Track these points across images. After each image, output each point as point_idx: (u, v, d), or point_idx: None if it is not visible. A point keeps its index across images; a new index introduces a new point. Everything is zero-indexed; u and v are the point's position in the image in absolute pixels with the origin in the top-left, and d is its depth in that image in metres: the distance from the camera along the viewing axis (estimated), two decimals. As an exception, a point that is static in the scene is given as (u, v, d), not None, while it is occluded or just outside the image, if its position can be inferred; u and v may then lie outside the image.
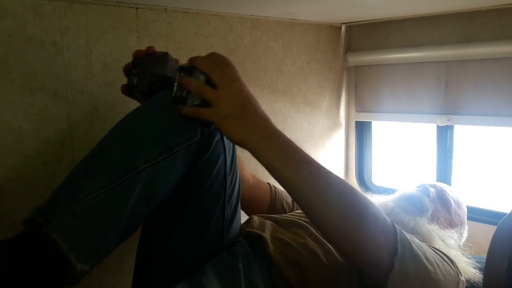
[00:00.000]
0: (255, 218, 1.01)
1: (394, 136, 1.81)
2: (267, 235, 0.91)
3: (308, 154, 0.75)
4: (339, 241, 0.76)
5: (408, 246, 0.77)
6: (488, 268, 0.82)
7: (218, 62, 0.74)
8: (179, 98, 0.73)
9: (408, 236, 0.80)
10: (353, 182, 1.80)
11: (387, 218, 0.77)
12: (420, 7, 1.34)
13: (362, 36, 1.68)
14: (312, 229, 0.95)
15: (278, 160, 0.72)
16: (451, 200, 1.16)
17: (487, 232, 1.03)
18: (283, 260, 0.85)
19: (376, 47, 1.63)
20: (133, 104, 1.14)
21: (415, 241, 0.80)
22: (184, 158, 0.75)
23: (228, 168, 0.84)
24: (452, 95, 1.45)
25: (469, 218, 1.41)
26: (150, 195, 0.73)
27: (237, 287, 0.79)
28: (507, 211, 0.89)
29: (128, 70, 0.86)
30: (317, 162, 0.75)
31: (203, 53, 1.26)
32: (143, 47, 1.14)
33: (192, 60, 0.75)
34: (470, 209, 1.45)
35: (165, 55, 0.85)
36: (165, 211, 0.82)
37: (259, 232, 0.91)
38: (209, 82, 0.72)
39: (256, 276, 0.82)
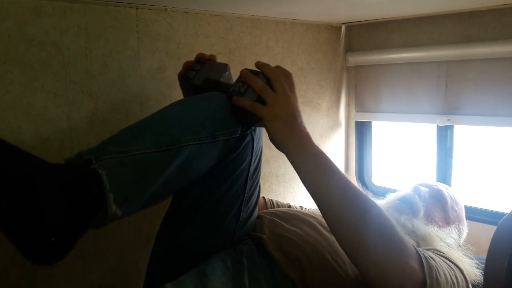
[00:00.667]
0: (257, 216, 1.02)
1: (394, 136, 1.81)
2: (266, 234, 0.94)
3: (338, 168, 0.81)
4: (360, 261, 0.75)
5: (435, 275, 0.77)
6: (488, 268, 0.82)
7: (283, 72, 0.83)
8: (237, 92, 0.82)
9: (431, 261, 0.79)
10: (353, 182, 1.80)
11: (411, 246, 0.78)
12: (420, 7, 1.34)
13: (362, 36, 1.68)
14: (315, 223, 0.96)
15: (309, 167, 0.79)
16: (447, 197, 1.16)
17: (487, 232, 1.03)
18: (284, 258, 0.87)
19: (376, 47, 1.63)
20: (133, 104, 1.15)
21: (436, 262, 0.80)
22: (221, 148, 0.82)
23: (250, 173, 0.90)
24: (452, 95, 1.45)
25: (469, 218, 1.41)
26: (187, 169, 0.79)
27: (240, 281, 0.83)
28: (507, 211, 0.89)
29: (188, 66, 0.97)
30: (344, 176, 0.80)
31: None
32: (143, 47, 1.15)
33: (260, 65, 0.84)
34: (470, 209, 1.45)
35: (225, 65, 0.97)
36: (186, 204, 0.88)
37: (258, 234, 0.94)
38: (269, 87, 0.81)
39: (259, 273, 0.85)
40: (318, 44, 1.61)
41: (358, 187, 0.79)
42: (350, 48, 1.72)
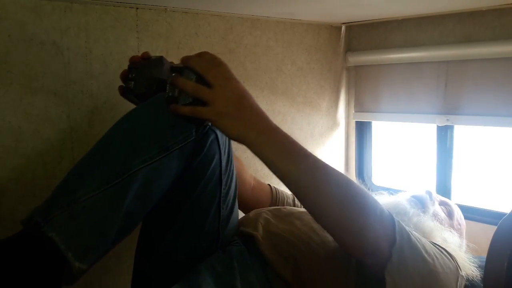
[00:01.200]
0: (251, 213, 1.02)
1: (394, 136, 1.81)
2: (259, 232, 0.91)
3: (305, 148, 0.76)
4: (339, 232, 0.75)
5: (407, 236, 0.77)
6: (488, 268, 0.82)
7: (210, 61, 0.75)
8: (171, 97, 0.75)
9: (407, 228, 0.80)
10: (353, 182, 1.80)
11: (385, 209, 0.77)
12: (420, 7, 1.34)
13: (362, 36, 1.68)
14: (308, 219, 0.94)
15: (275, 154, 0.73)
16: (455, 209, 1.19)
17: (487, 232, 1.03)
18: (277, 257, 0.86)
19: (376, 47, 1.63)
20: (133, 104, 1.15)
21: (413, 233, 0.80)
22: (179, 158, 0.76)
23: (223, 168, 0.85)
24: (452, 95, 1.45)
25: (469, 218, 1.41)
26: (147, 194, 0.74)
27: (232, 285, 0.80)
28: (507, 211, 0.89)
29: (125, 76, 0.89)
30: (314, 156, 0.75)
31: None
32: (143, 47, 1.14)
33: (184, 60, 0.76)
34: (470, 209, 1.45)
35: (160, 58, 0.88)
36: (161, 211, 0.84)
37: (250, 231, 0.92)
38: (201, 81, 0.74)
39: (251, 275, 0.83)
40: (318, 44, 1.61)
41: (325, 162, 0.76)
42: (350, 48, 1.72)
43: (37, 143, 1.00)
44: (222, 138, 0.84)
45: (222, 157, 0.85)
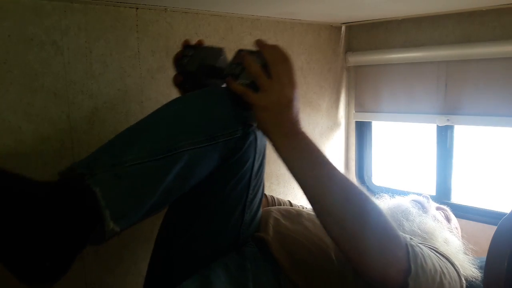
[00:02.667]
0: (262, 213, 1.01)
1: (394, 136, 1.82)
2: (269, 234, 0.91)
3: (327, 158, 0.78)
4: (344, 248, 0.75)
5: (420, 262, 0.76)
6: (488, 268, 0.82)
7: (281, 56, 0.76)
8: (233, 74, 0.78)
9: (417, 249, 0.79)
10: (353, 182, 1.80)
11: (400, 235, 0.76)
12: (420, 7, 1.34)
13: (362, 36, 1.68)
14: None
15: (294, 157, 0.76)
16: (453, 217, 1.20)
17: (487, 232, 1.03)
18: (289, 260, 0.85)
19: (376, 47, 1.63)
20: (133, 104, 1.15)
21: (424, 252, 0.79)
22: (221, 150, 0.78)
23: (254, 173, 0.86)
24: (452, 95, 1.45)
25: (469, 218, 1.41)
26: (187, 176, 0.76)
27: (244, 285, 0.81)
28: (507, 211, 0.89)
29: (180, 54, 0.92)
30: (332, 166, 0.77)
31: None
32: (143, 47, 1.15)
33: (259, 43, 0.78)
34: (470, 209, 1.45)
35: (221, 49, 0.91)
36: (188, 202, 0.85)
37: (261, 235, 0.92)
38: (265, 70, 0.75)
39: (263, 278, 0.83)
40: (318, 44, 1.61)
41: (345, 176, 0.77)
42: (350, 48, 1.72)
43: (37, 143, 1.00)
44: (260, 143, 0.86)
45: (255, 163, 0.86)
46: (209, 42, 1.28)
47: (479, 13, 1.34)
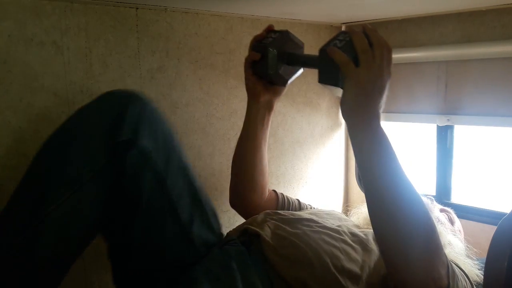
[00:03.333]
0: (261, 215, 1.00)
1: (394, 136, 1.81)
2: (266, 232, 0.89)
3: (395, 156, 0.77)
4: (397, 258, 0.73)
5: (456, 280, 0.77)
6: (488, 268, 0.82)
7: (385, 44, 0.76)
8: (334, 45, 0.77)
9: (454, 267, 0.80)
10: (353, 182, 1.80)
11: (445, 253, 0.77)
12: (420, 7, 1.34)
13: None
14: (318, 227, 0.93)
15: (368, 145, 0.75)
16: (456, 220, 1.20)
17: (487, 232, 1.03)
18: (280, 258, 0.84)
19: (376, 47, 1.62)
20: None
21: (456, 271, 0.80)
22: (99, 187, 0.73)
23: (162, 175, 0.80)
24: (452, 95, 1.45)
25: (469, 218, 1.41)
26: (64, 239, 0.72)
27: (233, 287, 0.78)
28: (507, 211, 0.89)
29: (261, 38, 0.94)
30: (405, 174, 0.76)
31: (203, 53, 1.27)
32: (143, 47, 1.15)
33: (367, 29, 0.77)
34: (470, 209, 1.45)
35: (302, 44, 0.95)
36: (115, 229, 0.82)
37: (257, 229, 0.90)
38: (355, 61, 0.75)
39: (252, 276, 0.81)
40: (318, 44, 1.60)
41: (409, 179, 0.75)
42: (350, 48, 1.72)
43: (37, 143, 0.99)
44: (147, 145, 0.77)
45: (156, 167, 0.79)
46: (209, 42, 1.28)
47: (479, 13, 1.34)
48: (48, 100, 1.00)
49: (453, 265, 0.80)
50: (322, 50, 0.78)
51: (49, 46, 0.99)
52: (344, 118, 0.77)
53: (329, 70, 0.77)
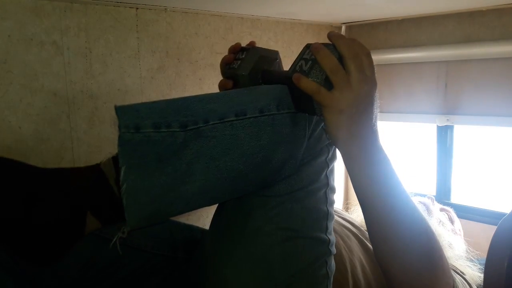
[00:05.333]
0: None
1: (394, 136, 1.81)
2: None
3: (401, 186, 0.69)
4: (398, 281, 0.70)
5: None
6: (488, 268, 0.82)
7: (360, 50, 0.63)
8: (300, 70, 0.64)
9: (457, 279, 0.78)
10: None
11: (450, 270, 0.75)
12: (420, 7, 1.34)
13: (362, 36, 1.68)
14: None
15: (364, 174, 0.66)
16: (456, 219, 1.20)
17: (487, 232, 1.03)
18: None
19: (376, 47, 1.63)
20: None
21: (456, 279, 0.79)
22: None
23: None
24: (452, 95, 1.45)
25: (469, 218, 1.41)
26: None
27: None
28: (507, 211, 0.89)
29: (229, 58, 0.82)
30: (407, 195, 0.69)
31: (203, 53, 1.27)
32: (143, 47, 1.14)
33: (334, 36, 0.63)
34: (470, 209, 1.45)
35: (276, 52, 0.81)
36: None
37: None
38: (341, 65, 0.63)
39: None
40: (318, 44, 1.61)
41: (411, 201, 0.69)
42: (350, 48, 1.72)
43: (37, 143, 1.00)
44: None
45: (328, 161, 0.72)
46: (209, 42, 1.28)
47: (479, 13, 1.34)
48: (48, 100, 1.00)
49: (456, 277, 0.79)
50: (288, 77, 0.65)
51: (49, 46, 0.99)
52: (335, 145, 0.68)
53: (302, 99, 0.65)
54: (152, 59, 1.17)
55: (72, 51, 1.03)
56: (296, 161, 0.66)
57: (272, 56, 0.80)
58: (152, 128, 0.55)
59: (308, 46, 0.66)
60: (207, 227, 0.82)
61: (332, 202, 0.72)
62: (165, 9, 1.17)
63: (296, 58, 0.67)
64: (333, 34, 0.64)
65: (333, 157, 0.73)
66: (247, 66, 0.78)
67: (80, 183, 0.59)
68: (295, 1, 1.15)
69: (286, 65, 0.74)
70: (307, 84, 0.62)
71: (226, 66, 0.82)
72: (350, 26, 1.68)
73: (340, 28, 1.68)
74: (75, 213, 0.58)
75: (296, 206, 0.66)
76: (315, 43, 0.63)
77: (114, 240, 0.62)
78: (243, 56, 0.80)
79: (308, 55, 0.65)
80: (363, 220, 1.07)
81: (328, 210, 0.70)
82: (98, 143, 1.08)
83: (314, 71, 0.63)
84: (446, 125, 1.48)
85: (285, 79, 0.67)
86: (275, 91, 0.65)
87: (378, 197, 0.66)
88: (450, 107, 1.46)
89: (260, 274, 0.64)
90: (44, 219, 0.57)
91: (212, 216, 0.75)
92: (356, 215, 1.11)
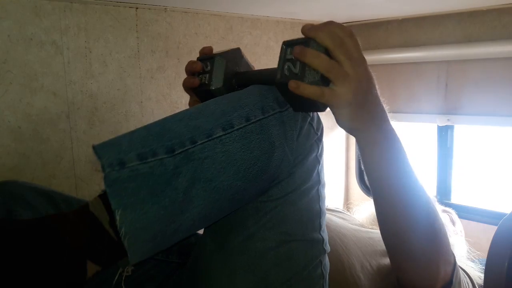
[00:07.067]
0: None
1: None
2: None
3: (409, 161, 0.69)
4: (404, 259, 0.72)
5: (459, 277, 0.77)
6: (488, 268, 0.82)
7: (340, 33, 0.58)
8: (291, 74, 0.59)
9: (460, 271, 0.79)
10: (353, 182, 1.80)
11: (452, 251, 0.76)
12: (420, 7, 1.34)
13: (362, 36, 1.67)
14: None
15: (384, 157, 0.66)
16: (457, 220, 1.19)
17: (487, 232, 1.03)
18: None
19: (376, 47, 1.63)
20: (133, 104, 1.15)
21: (461, 275, 0.80)
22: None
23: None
24: (452, 95, 1.45)
25: (469, 218, 1.41)
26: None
27: None
28: (507, 211, 0.89)
29: (194, 71, 0.76)
30: (415, 175, 0.69)
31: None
32: (143, 46, 1.14)
33: (308, 30, 0.58)
34: (470, 209, 1.45)
35: (238, 50, 0.76)
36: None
37: None
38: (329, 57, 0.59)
39: None
40: (318, 44, 1.61)
41: (419, 180, 0.69)
42: (350, 48, 1.72)
43: (37, 143, 1.00)
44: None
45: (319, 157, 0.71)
46: (209, 42, 1.28)
47: (479, 13, 1.34)
48: (47, 100, 1.00)
49: (458, 267, 0.80)
50: (281, 84, 0.60)
51: (48, 46, 0.99)
52: (354, 135, 0.67)
53: (301, 102, 0.61)
54: (152, 59, 1.17)
55: (72, 51, 1.03)
56: (289, 163, 0.64)
57: (237, 56, 0.75)
58: (138, 160, 0.51)
59: (288, 45, 0.61)
60: (200, 231, 0.82)
61: (324, 198, 0.72)
62: (165, 9, 1.17)
63: (279, 60, 0.61)
64: (308, 28, 0.59)
65: (322, 152, 0.71)
66: (219, 77, 0.72)
67: (73, 232, 0.55)
68: (295, 1, 1.15)
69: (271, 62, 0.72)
70: (308, 90, 0.58)
71: (196, 87, 0.75)
72: (350, 26, 1.68)
73: (340, 28, 1.68)
74: (75, 265, 0.55)
75: (289, 209, 0.65)
76: (296, 47, 0.58)
77: (117, 278, 0.61)
78: (209, 68, 0.73)
79: (290, 56, 0.60)
80: (364, 220, 1.07)
81: (320, 208, 0.70)
82: (97, 143, 1.08)
83: (308, 72, 0.58)
84: (446, 125, 1.48)
85: (276, 85, 0.62)
86: (254, 95, 0.62)
87: (396, 178, 0.66)
88: (451, 107, 1.46)
89: (255, 281, 0.63)
90: (44, 277, 0.53)
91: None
92: (359, 216, 1.11)
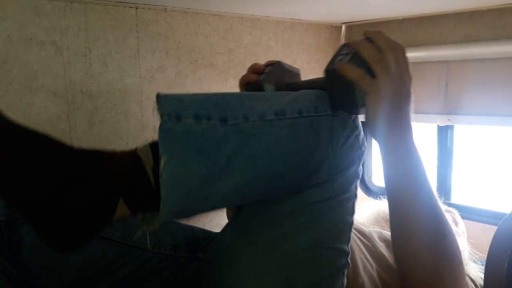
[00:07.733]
0: None
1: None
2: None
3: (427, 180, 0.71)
4: (410, 273, 0.71)
5: None
6: (488, 268, 0.82)
7: (396, 45, 0.68)
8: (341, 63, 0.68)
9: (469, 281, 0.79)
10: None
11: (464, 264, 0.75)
12: (420, 7, 1.34)
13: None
14: None
15: (400, 163, 0.69)
16: (460, 221, 1.18)
17: (487, 232, 1.03)
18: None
19: (376, 47, 1.63)
20: (133, 104, 1.15)
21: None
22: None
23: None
24: (452, 95, 1.45)
25: (469, 219, 1.41)
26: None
27: None
28: (507, 211, 0.89)
29: (255, 70, 0.83)
30: (432, 192, 0.70)
31: (203, 53, 1.27)
32: (143, 46, 1.14)
33: (371, 33, 0.69)
34: (470, 209, 1.45)
35: (298, 70, 0.86)
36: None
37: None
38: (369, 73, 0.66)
39: None
40: (319, 44, 1.61)
41: (439, 203, 0.70)
42: (350, 48, 1.72)
43: (37, 143, 0.99)
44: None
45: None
46: (209, 41, 1.28)
47: (479, 13, 1.34)
48: (47, 100, 1.00)
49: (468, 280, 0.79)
50: (329, 70, 0.68)
51: (48, 46, 0.99)
52: (375, 139, 0.71)
53: (342, 92, 0.67)
54: (151, 59, 1.17)
55: (72, 51, 1.03)
56: (330, 166, 0.65)
57: (295, 71, 0.84)
58: (193, 118, 0.55)
59: (345, 45, 0.69)
60: (207, 227, 0.82)
61: (355, 213, 0.73)
62: (165, 9, 1.17)
63: (332, 57, 0.69)
64: (370, 30, 0.69)
65: (362, 168, 0.73)
66: (273, 78, 0.80)
67: (116, 167, 0.57)
68: (295, 1, 1.15)
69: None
70: (353, 70, 0.64)
71: (250, 82, 0.83)
72: (350, 26, 1.68)
73: (340, 28, 1.67)
74: (108, 197, 0.56)
75: (326, 216, 0.66)
76: (354, 40, 0.67)
77: (143, 232, 0.61)
78: (268, 70, 0.82)
79: (346, 50, 0.68)
80: (364, 220, 1.07)
81: (352, 222, 0.71)
82: (97, 143, 1.08)
83: (356, 61, 0.65)
84: (446, 125, 1.48)
85: (325, 73, 0.68)
86: (310, 95, 0.66)
87: (413, 189, 0.68)
88: (451, 107, 1.46)
89: (281, 279, 0.64)
90: (76, 201, 0.54)
91: (212, 217, 0.75)
92: (360, 215, 1.11)
